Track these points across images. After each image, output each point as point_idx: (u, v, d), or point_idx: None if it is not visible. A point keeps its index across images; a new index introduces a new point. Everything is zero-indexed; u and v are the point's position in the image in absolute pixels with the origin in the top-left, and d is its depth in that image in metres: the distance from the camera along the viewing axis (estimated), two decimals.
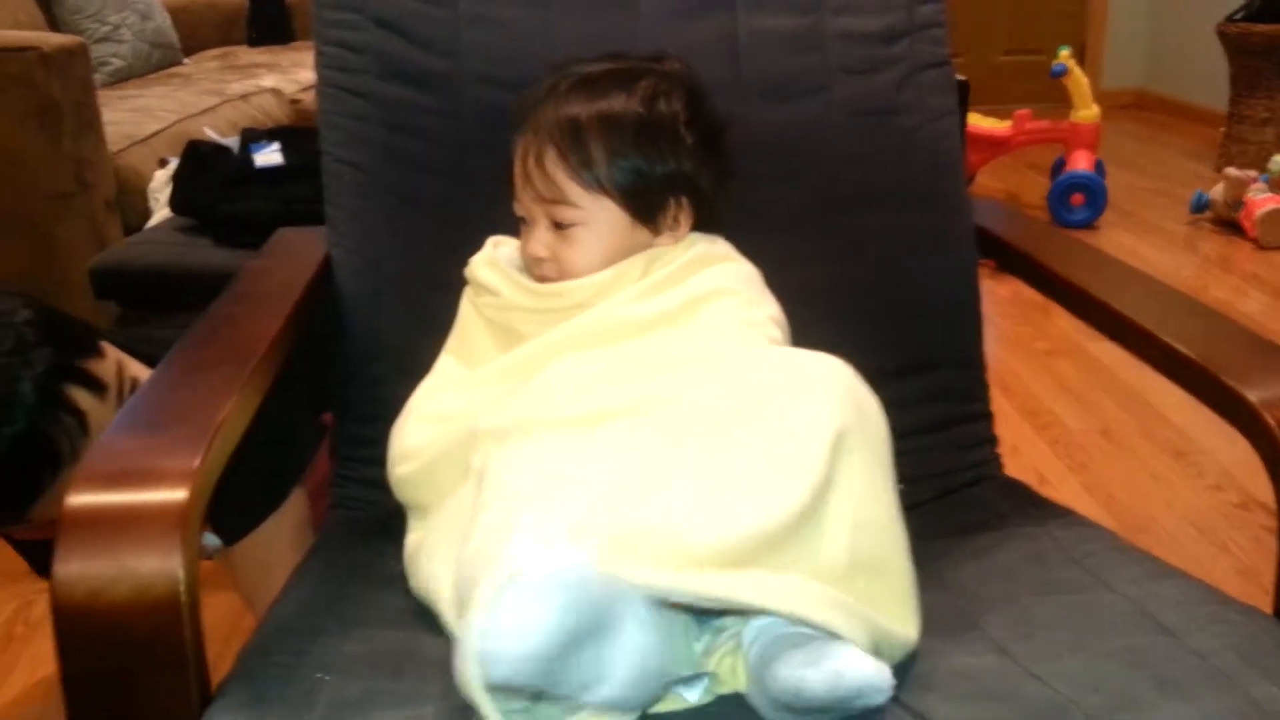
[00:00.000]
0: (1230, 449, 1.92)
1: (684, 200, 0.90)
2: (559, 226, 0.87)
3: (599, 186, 0.86)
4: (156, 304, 1.72)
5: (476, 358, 0.91)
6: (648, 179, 0.87)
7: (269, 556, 1.02)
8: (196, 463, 0.60)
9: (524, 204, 0.89)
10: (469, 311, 0.94)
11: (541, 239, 0.88)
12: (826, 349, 1.06)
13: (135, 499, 0.58)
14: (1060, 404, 2.17)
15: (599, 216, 0.87)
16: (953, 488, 1.06)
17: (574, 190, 0.86)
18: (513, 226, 0.94)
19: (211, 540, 1.19)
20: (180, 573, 0.55)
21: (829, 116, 1.11)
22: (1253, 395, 0.73)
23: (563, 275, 0.88)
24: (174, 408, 0.67)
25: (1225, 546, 1.66)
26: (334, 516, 0.97)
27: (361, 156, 1.05)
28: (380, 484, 0.99)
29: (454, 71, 1.07)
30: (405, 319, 1.03)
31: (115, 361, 0.96)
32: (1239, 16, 3.85)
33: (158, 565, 0.55)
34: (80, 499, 0.58)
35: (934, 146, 1.12)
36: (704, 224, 0.94)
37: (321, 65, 1.07)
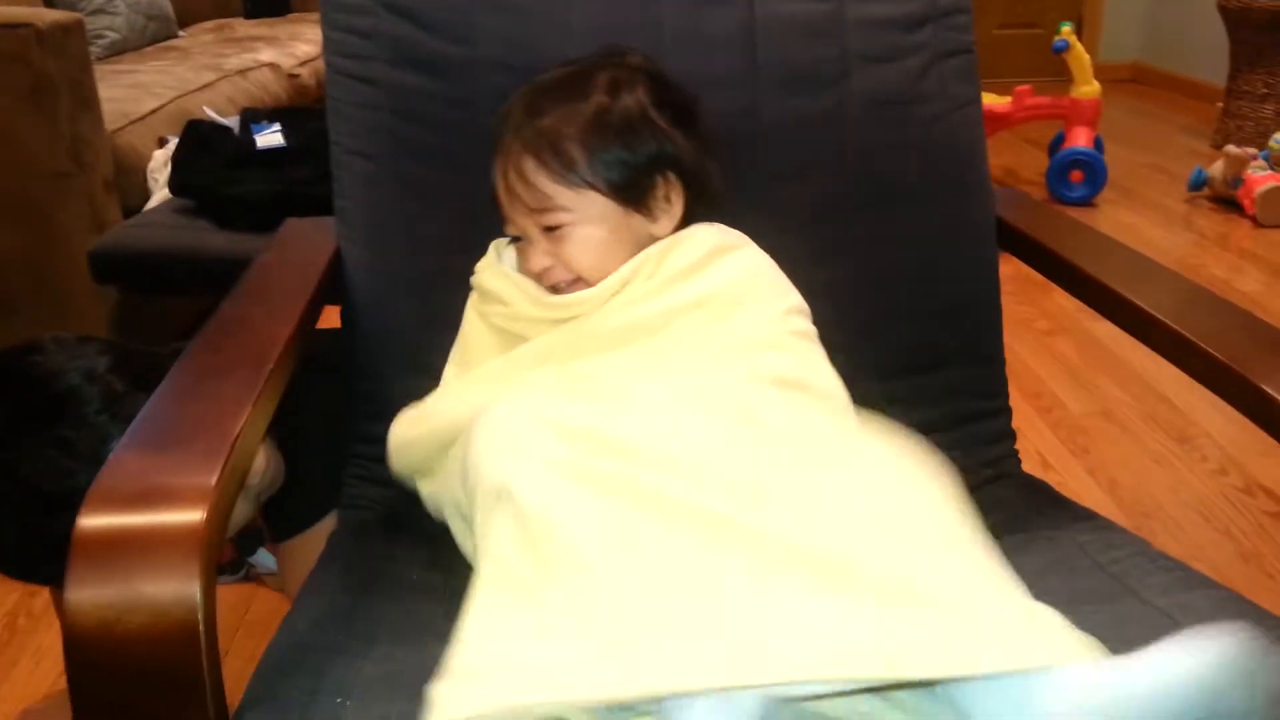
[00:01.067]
0: (1232, 432, 1.92)
1: (670, 177, 0.89)
2: (552, 231, 0.87)
3: (583, 183, 0.86)
4: (157, 288, 1.70)
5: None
6: (627, 164, 0.87)
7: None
8: (213, 480, 0.58)
9: (515, 222, 0.89)
10: (474, 320, 0.92)
11: (540, 248, 0.88)
12: (845, 346, 1.05)
13: (149, 521, 0.56)
14: (1061, 385, 2.16)
15: (589, 211, 0.86)
16: (973, 486, 1.04)
17: (560, 192, 0.86)
18: None
19: (268, 560, 1.18)
20: (199, 599, 0.53)
21: (848, 107, 1.08)
22: None
23: (572, 276, 0.87)
24: (188, 421, 0.65)
25: (1229, 531, 1.65)
26: (345, 518, 0.96)
27: (371, 146, 1.03)
28: (388, 481, 0.97)
29: (469, 58, 1.04)
30: (416, 315, 1.01)
31: None
32: None
33: (174, 592, 0.53)
34: (92, 521, 0.56)
35: (956, 137, 1.10)
36: (703, 207, 0.92)
37: (329, 52, 1.04)
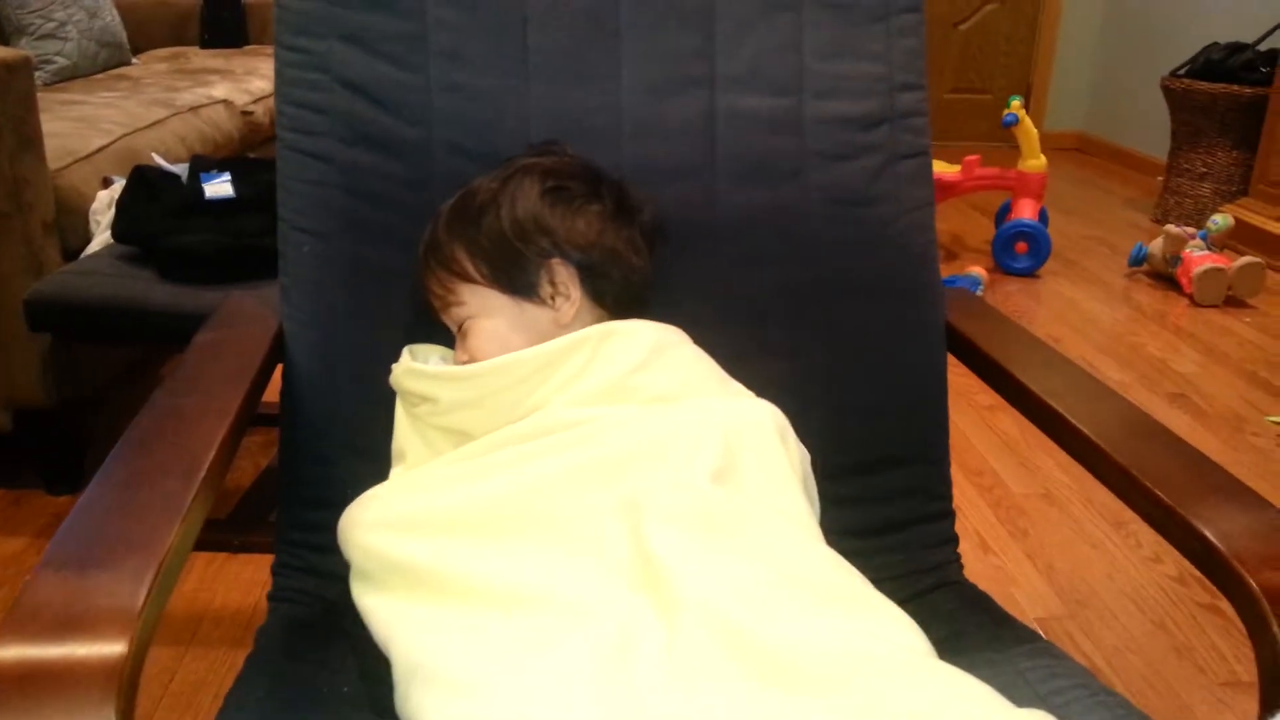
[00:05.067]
0: None
1: (555, 264, 0.91)
2: (461, 328, 0.93)
3: (469, 278, 0.91)
4: (95, 338, 1.65)
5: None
6: (500, 255, 0.91)
7: None
8: (137, 606, 0.56)
9: (445, 323, 0.96)
10: (405, 423, 0.93)
11: (459, 345, 0.94)
12: None
13: (65, 654, 0.53)
14: (1002, 463, 2.18)
15: (482, 304, 0.91)
16: (913, 594, 1.04)
17: (453, 289, 0.92)
18: None
19: None
20: None
21: (803, 202, 1.09)
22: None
23: None
24: (113, 538, 0.62)
25: (1163, 624, 1.67)
26: (274, 612, 0.92)
27: (320, 224, 1.01)
28: (324, 573, 0.95)
29: (424, 140, 1.02)
30: (360, 397, 0.98)
31: None
32: (1183, 72, 3.92)
33: None
34: (3, 653, 0.53)
35: (908, 238, 1.10)
36: (619, 293, 0.94)
37: (281, 127, 1.02)
